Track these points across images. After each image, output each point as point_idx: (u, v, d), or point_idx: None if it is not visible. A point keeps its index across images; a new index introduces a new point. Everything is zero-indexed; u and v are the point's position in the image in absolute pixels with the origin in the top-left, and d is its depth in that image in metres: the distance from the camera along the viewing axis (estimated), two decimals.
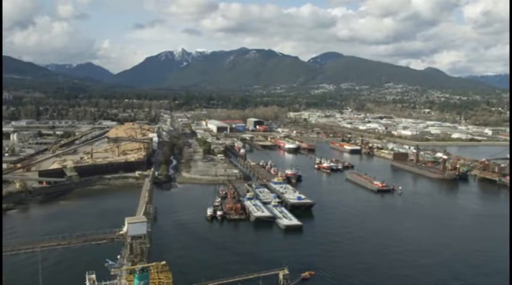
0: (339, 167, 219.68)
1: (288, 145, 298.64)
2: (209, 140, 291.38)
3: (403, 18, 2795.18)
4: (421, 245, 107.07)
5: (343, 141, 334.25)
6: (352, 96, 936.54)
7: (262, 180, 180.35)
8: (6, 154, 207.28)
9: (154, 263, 63.66)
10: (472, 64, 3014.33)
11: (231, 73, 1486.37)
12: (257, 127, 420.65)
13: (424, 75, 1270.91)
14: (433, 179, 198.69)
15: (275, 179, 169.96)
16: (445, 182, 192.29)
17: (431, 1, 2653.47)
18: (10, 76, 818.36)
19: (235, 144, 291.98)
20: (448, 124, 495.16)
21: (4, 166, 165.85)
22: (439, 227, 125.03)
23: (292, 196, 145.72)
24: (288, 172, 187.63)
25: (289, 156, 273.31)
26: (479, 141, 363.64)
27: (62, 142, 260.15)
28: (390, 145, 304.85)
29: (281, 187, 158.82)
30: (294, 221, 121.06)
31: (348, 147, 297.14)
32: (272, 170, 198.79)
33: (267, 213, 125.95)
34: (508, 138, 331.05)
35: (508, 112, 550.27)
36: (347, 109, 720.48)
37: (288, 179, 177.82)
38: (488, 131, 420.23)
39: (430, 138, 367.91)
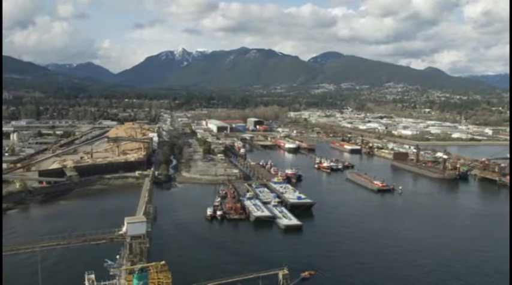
0: (339, 167, 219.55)
1: (288, 145, 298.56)
2: (209, 140, 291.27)
3: (404, 17, 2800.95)
4: (421, 245, 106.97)
5: (343, 140, 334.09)
6: (353, 96, 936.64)
7: (262, 180, 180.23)
8: (6, 154, 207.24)
9: (153, 263, 63.58)
10: (473, 63, 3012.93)
11: (231, 73, 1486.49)
12: (257, 127, 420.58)
13: (425, 75, 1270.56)
14: (433, 179, 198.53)
15: (275, 179, 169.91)
16: (445, 182, 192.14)
17: (431, 1, 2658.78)
18: (10, 76, 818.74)
19: (235, 144, 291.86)
20: (448, 123, 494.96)
21: (4, 165, 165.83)
22: (439, 227, 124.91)
23: (292, 195, 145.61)
24: (288, 171, 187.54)
25: (289, 156, 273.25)
26: (480, 140, 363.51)
27: (62, 142, 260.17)
28: (390, 145, 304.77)
29: (281, 187, 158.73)
30: (294, 221, 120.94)
31: (348, 147, 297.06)
32: (272, 170, 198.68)
33: (266, 213, 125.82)
34: (508, 137, 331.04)
35: (508, 112, 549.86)
36: (347, 108, 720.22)
37: (288, 179, 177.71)
38: (488, 131, 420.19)
39: (430, 137, 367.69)
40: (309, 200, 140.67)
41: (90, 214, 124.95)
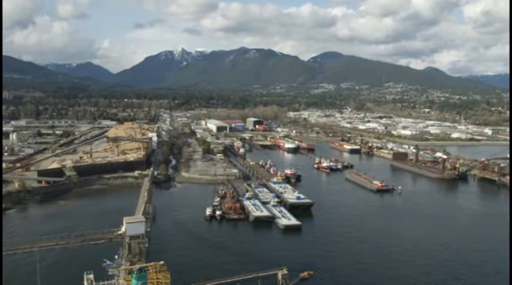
0: (339, 167, 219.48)
1: (287, 145, 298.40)
2: (208, 139, 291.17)
3: (403, 17, 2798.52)
4: (421, 245, 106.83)
5: (342, 140, 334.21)
6: (352, 96, 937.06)
7: (261, 180, 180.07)
8: (6, 154, 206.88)
9: (152, 263, 63.33)
10: (472, 64, 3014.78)
11: (230, 72, 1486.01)
12: (257, 126, 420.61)
13: (424, 75, 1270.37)
14: (433, 179, 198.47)
15: (274, 179, 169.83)
16: (445, 182, 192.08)
17: (431, 1, 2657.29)
18: (10, 75, 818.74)
19: (235, 144, 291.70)
20: (447, 123, 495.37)
21: (3, 165, 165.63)
22: (438, 227, 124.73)
23: (292, 195, 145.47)
24: (288, 171, 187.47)
25: (288, 156, 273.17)
26: (479, 140, 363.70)
27: (62, 142, 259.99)
28: (390, 145, 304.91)
29: (280, 187, 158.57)
30: (293, 221, 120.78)
31: (347, 147, 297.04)
32: (271, 170, 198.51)
33: (266, 213, 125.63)
34: (508, 137, 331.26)
35: (508, 112, 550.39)
36: (347, 108, 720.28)
37: (287, 179, 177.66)
38: (488, 131, 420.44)
39: (429, 137, 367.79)
40: (308, 200, 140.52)
41: (89, 214, 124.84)
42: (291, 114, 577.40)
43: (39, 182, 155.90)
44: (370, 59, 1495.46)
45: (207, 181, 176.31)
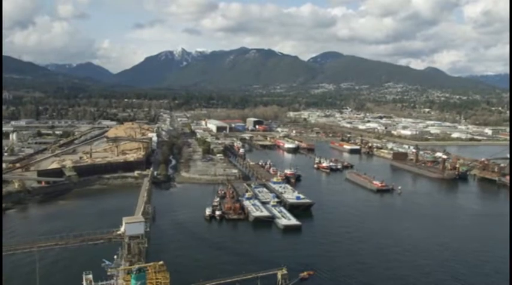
0: (339, 167, 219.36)
1: (287, 145, 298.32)
2: (208, 140, 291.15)
3: (403, 17, 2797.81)
4: (421, 245, 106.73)
5: (342, 140, 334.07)
6: (352, 96, 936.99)
7: (261, 180, 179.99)
8: (6, 154, 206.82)
9: (151, 263, 63.31)
10: (472, 63, 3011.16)
11: (230, 73, 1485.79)
12: (257, 126, 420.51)
13: (424, 75, 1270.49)
14: (433, 179, 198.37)
15: (274, 179, 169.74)
16: (445, 182, 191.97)
17: (431, 1, 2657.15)
18: (10, 76, 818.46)
19: (235, 144, 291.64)
20: (447, 123, 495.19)
21: (3, 165, 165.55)
22: (438, 227, 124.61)
23: (291, 195, 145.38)
24: (287, 171, 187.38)
25: (288, 156, 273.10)
26: (479, 140, 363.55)
27: (61, 142, 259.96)
28: (390, 145, 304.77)
29: (280, 187, 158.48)
30: (293, 221, 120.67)
31: (347, 147, 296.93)
32: (271, 170, 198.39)
33: (265, 213, 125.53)
34: (508, 137, 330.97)
35: (508, 112, 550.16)
36: (347, 108, 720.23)
37: (287, 179, 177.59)
38: (488, 131, 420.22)
39: (429, 137, 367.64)
40: (308, 200, 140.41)
41: (89, 214, 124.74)
42: (291, 114, 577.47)
43: (39, 182, 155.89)
44: (370, 59, 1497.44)
45: (206, 181, 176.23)
